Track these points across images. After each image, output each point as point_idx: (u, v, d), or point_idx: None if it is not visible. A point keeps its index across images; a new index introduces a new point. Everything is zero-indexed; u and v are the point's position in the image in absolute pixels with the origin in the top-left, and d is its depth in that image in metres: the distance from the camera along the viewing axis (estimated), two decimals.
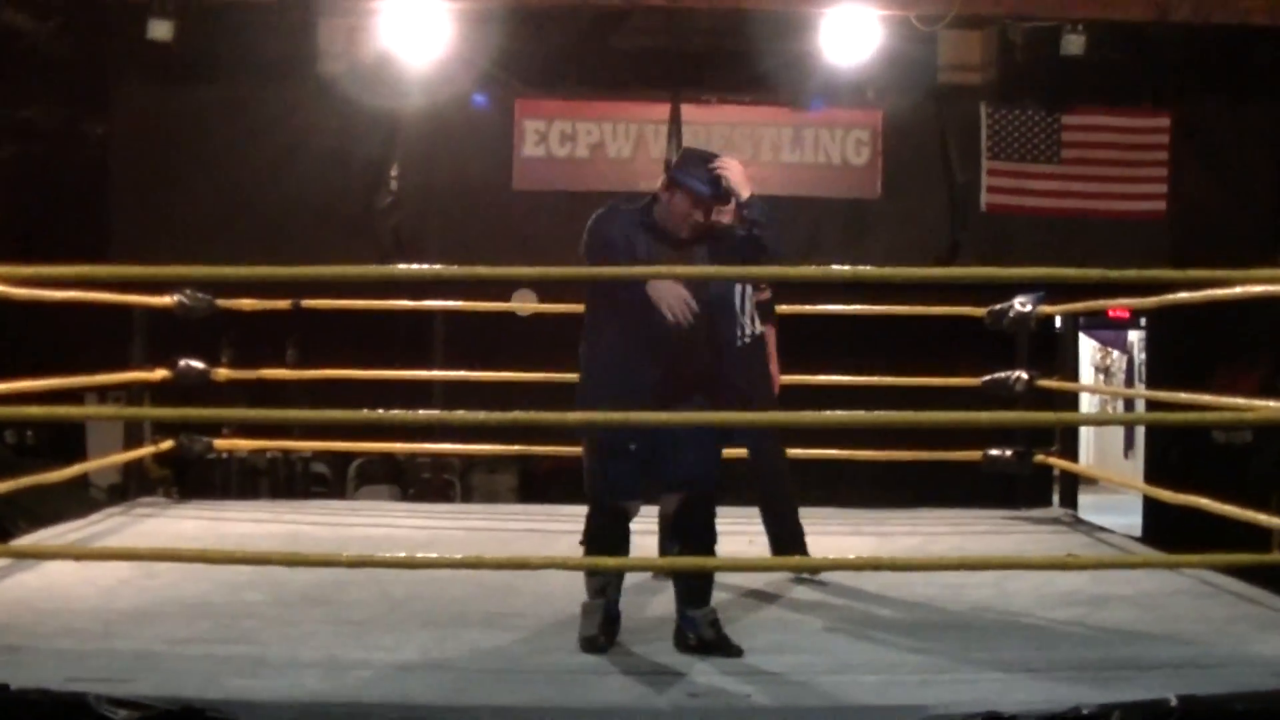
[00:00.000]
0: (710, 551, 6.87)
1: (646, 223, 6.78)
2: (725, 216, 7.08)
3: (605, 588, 6.81)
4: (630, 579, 7.30)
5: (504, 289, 8.20)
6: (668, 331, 6.58)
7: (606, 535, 6.91)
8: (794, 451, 10.36)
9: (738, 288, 7.85)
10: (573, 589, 7.02)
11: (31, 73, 15.97)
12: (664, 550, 7.10)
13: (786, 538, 8.38)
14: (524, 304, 7.18)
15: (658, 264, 6.66)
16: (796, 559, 8.32)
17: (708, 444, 6.80)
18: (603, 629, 6.78)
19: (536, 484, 15.64)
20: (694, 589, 6.80)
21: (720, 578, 7.73)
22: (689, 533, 6.85)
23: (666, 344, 6.63)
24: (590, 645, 6.73)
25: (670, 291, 6.55)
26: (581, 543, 7.11)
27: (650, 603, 7.65)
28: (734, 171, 6.80)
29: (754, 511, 8.76)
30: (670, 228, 6.77)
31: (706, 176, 6.74)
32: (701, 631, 6.74)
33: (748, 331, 8.14)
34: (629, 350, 6.68)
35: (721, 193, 6.77)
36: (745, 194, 6.78)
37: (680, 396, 6.68)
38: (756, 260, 6.77)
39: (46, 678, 5.87)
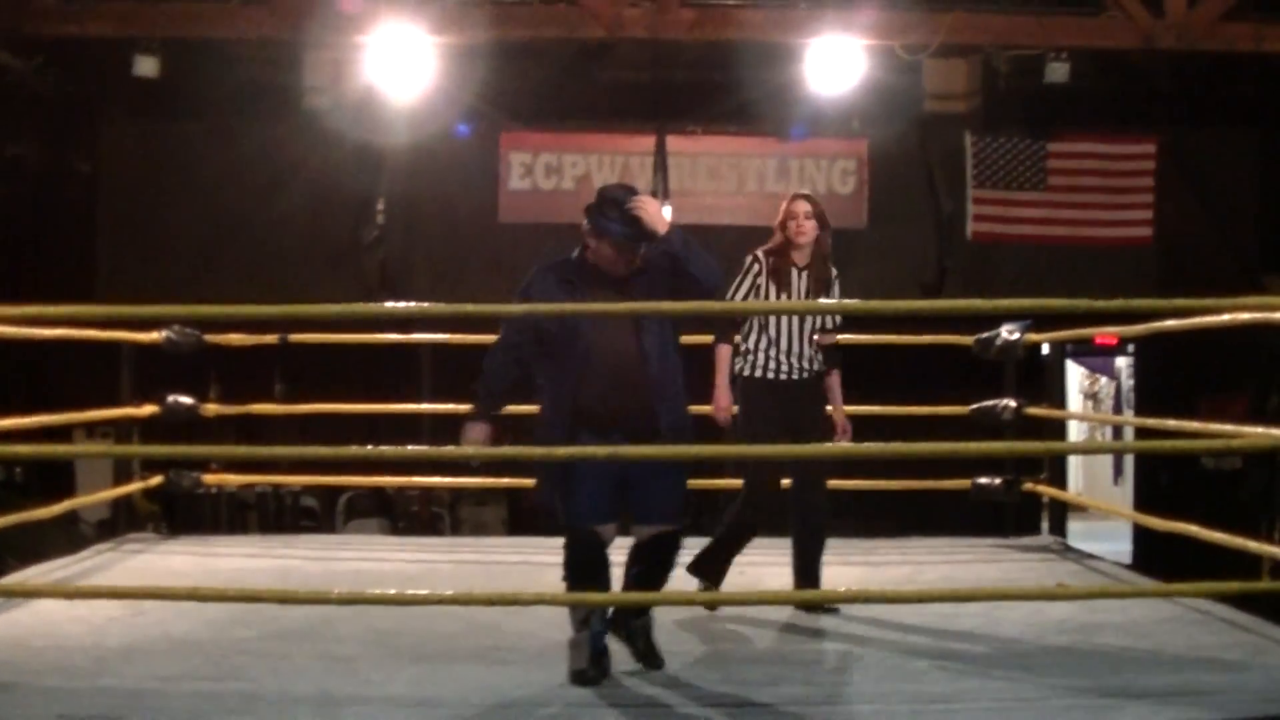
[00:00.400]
0: (666, 575, 7.13)
1: (579, 273, 6.99)
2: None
3: (588, 618, 6.84)
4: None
5: (489, 322, 8.18)
6: (600, 370, 6.84)
7: (585, 563, 6.95)
8: (783, 482, 10.39)
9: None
10: (563, 622, 7.02)
11: (18, 110, 15.97)
12: (627, 569, 7.13)
13: (808, 572, 8.40)
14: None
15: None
16: (785, 593, 8.31)
17: (676, 478, 7.03)
18: (592, 662, 6.79)
19: (525, 516, 15.63)
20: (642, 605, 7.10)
21: (722, 609, 7.83)
22: (651, 559, 7.06)
23: (599, 381, 6.86)
24: (580, 679, 6.75)
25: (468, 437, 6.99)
26: (564, 578, 7.08)
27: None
28: (649, 209, 6.92)
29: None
30: (606, 270, 6.94)
31: (623, 218, 6.88)
32: (635, 640, 7.03)
33: (805, 369, 8.40)
34: (561, 390, 6.92)
35: (640, 232, 6.88)
36: (662, 229, 6.88)
37: (631, 427, 6.86)
38: (692, 292, 6.86)
39: (38, 715, 5.89)
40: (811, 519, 8.41)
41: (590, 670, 6.76)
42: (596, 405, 6.86)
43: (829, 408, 8.62)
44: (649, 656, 7.01)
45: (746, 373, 8.35)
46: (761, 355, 8.32)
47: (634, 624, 7.03)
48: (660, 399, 6.93)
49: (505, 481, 12.07)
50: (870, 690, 6.75)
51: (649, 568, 7.07)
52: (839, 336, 8.68)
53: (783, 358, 8.33)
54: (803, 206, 8.48)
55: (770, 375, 8.32)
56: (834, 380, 8.62)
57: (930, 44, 14.27)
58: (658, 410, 6.91)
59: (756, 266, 8.43)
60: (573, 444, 6.80)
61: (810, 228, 8.42)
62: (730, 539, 8.43)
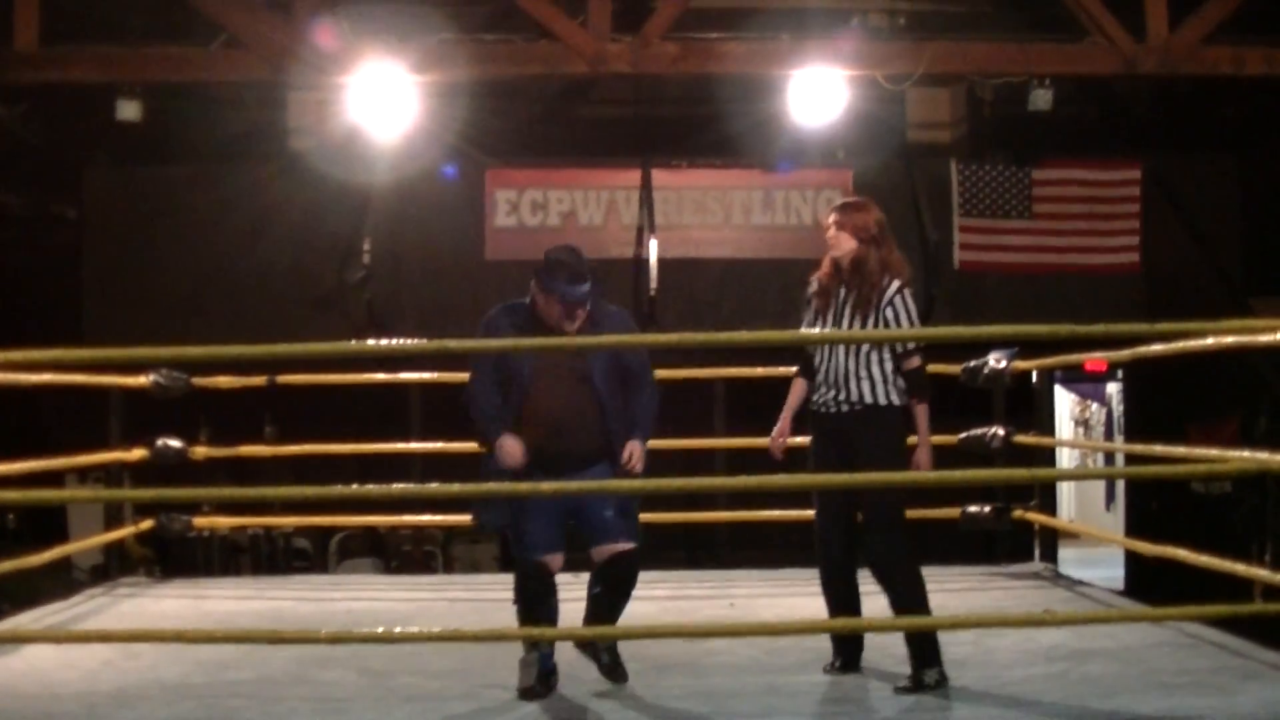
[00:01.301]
0: (627, 594, 7.50)
1: (529, 321, 7.45)
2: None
3: (538, 642, 7.28)
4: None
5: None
6: (546, 414, 7.36)
7: (531, 590, 7.42)
8: (773, 514, 10.42)
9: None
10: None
11: (2, 158, 16.00)
12: (590, 589, 7.53)
13: (904, 600, 7.48)
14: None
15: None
16: (771, 623, 8.27)
17: (626, 505, 7.46)
18: (539, 680, 7.26)
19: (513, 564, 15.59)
20: (603, 621, 7.43)
21: (702, 643, 7.82)
22: (612, 579, 7.46)
23: (547, 420, 7.36)
24: (528, 694, 7.21)
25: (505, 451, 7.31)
26: (514, 601, 7.49)
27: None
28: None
29: (737, 575, 8.71)
30: (551, 324, 7.40)
31: (569, 279, 7.33)
32: (600, 656, 7.43)
33: (856, 400, 7.52)
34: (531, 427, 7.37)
35: (583, 292, 7.35)
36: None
37: (578, 466, 7.39)
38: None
39: None
40: (875, 566, 7.51)
41: (538, 687, 7.22)
42: (545, 445, 7.36)
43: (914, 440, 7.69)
44: (614, 670, 7.41)
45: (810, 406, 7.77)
46: (816, 387, 7.63)
47: (599, 642, 7.45)
48: (615, 438, 7.44)
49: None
50: (861, 718, 6.75)
51: (609, 586, 7.45)
52: (918, 360, 7.54)
53: (828, 388, 7.53)
54: (831, 217, 7.68)
55: (816, 408, 7.62)
56: (917, 411, 7.55)
57: (913, 73, 14.30)
58: (614, 449, 7.43)
59: (808, 290, 7.78)
60: (525, 479, 7.28)
61: (842, 240, 7.58)
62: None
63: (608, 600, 7.45)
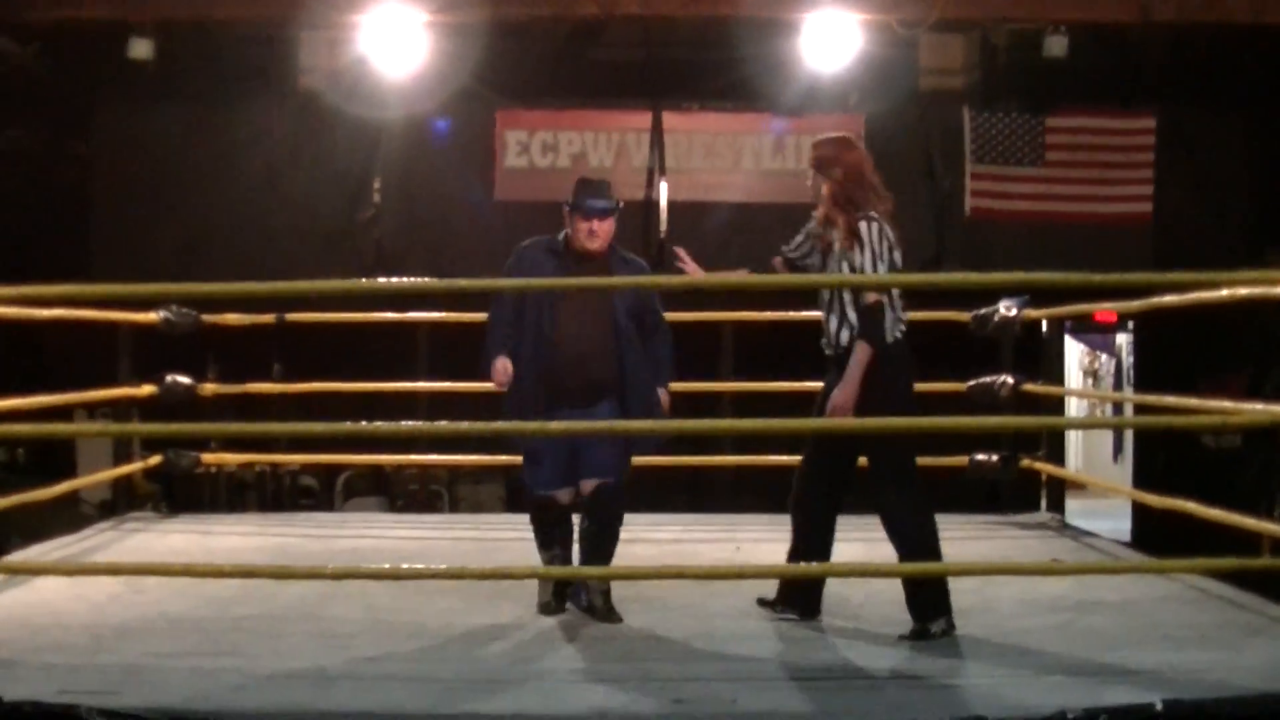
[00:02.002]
0: (616, 531, 7.84)
1: (560, 249, 7.88)
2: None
3: (553, 560, 7.81)
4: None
5: (486, 300, 8.27)
6: (559, 345, 7.72)
7: (540, 520, 7.90)
8: (779, 459, 10.41)
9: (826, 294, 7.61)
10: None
11: (14, 95, 15.97)
12: (581, 525, 7.88)
13: (911, 549, 7.36)
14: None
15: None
16: (776, 567, 8.21)
17: (617, 444, 7.78)
18: (554, 595, 7.73)
19: (522, 494, 15.61)
20: (596, 558, 7.73)
21: (712, 585, 7.85)
22: (597, 513, 7.79)
23: (558, 355, 7.72)
24: (546, 609, 7.68)
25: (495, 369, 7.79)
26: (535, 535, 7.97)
27: (632, 613, 7.67)
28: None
29: (742, 519, 8.69)
30: (580, 247, 7.79)
31: (592, 194, 7.81)
32: (593, 599, 7.70)
33: (835, 344, 7.51)
34: (525, 362, 7.75)
35: (607, 206, 7.80)
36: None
37: (587, 401, 7.74)
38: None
39: (39, 691, 5.91)
40: (883, 497, 7.48)
41: (553, 602, 7.70)
42: (566, 379, 7.72)
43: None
44: (608, 614, 7.63)
45: None
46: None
47: (591, 583, 7.76)
48: (629, 381, 7.78)
49: (502, 459, 12.08)
50: (863, 665, 6.76)
51: (593, 519, 7.79)
52: (872, 297, 7.35)
53: (822, 333, 7.57)
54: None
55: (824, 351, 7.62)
56: (856, 347, 7.33)
57: (927, 18, 14.24)
58: (626, 392, 7.76)
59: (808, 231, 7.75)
60: (547, 417, 7.63)
61: (813, 179, 7.65)
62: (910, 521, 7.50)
63: (593, 535, 7.77)
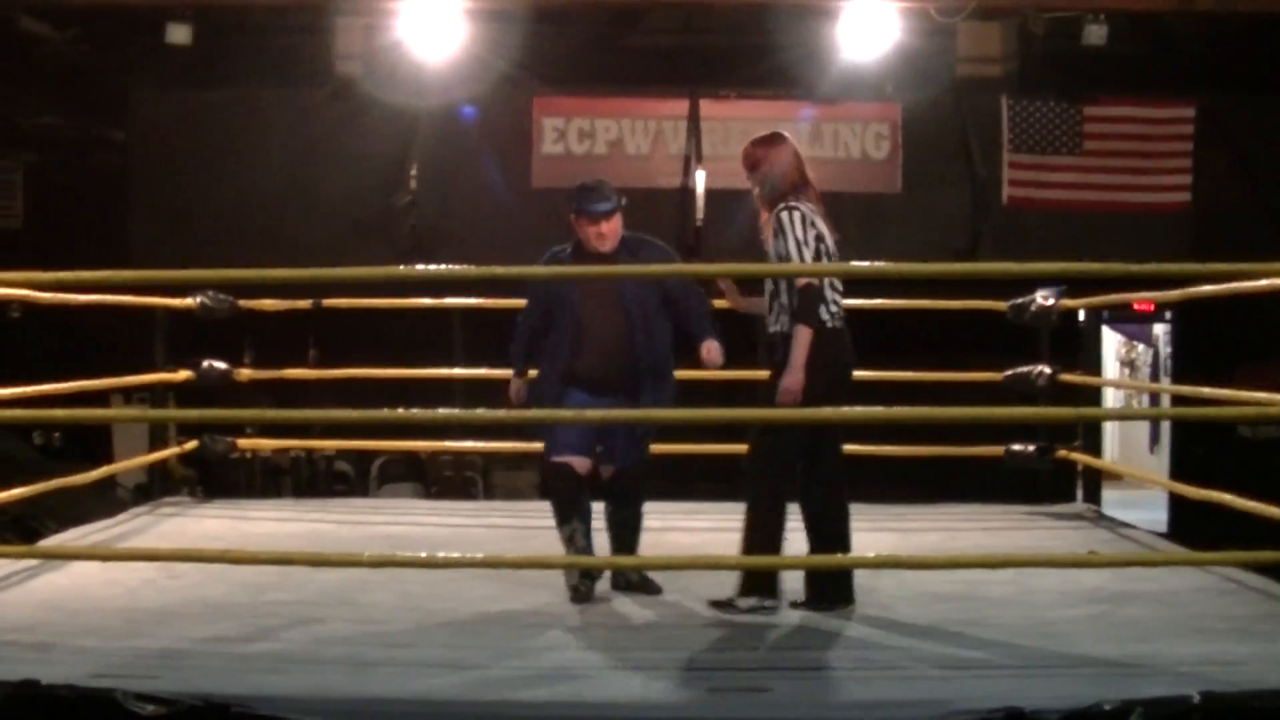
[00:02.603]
0: (640, 513, 8.12)
1: (575, 255, 8.03)
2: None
3: (574, 536, 7.97)
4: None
5: (521, 287, 8.32)
6: (591, 341, 7.93)
7: (557, 489, 8.03)
8: None
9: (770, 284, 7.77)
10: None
11: (51, 80, 16.03)
12: (606, 511, 8.16)
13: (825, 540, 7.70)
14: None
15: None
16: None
17: (638, 431, 8.04)
18: (582, 577, 7.79)
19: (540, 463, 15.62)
20: (625, 541, 8.09)
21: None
22: (619, 497, 8.10)
23: (590, 352, 7.94)
24: (576, 594, 7.74)
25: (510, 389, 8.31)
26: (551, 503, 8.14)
27: (667, 602, 7.66)
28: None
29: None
30: (591, 249, 7.97)
31: (593, 197, 7.95)
32: (629, 574, 7.93)
33: (775, 328, 7.70)
34: (556, 351, 8.01)
35: (610, 205, 7.95)
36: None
37: (621, 387, 7.93)
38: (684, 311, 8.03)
39: (75, 674, 5.94)
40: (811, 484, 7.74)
41: (582, 586, 7.76)
42: (587, 371, 7.94)
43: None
44: (645, 585, 7.91)
45: None
46: None
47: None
48: (646, 372, 7.94)
49: (537, 446, 12.07)
50: (897, 655, 6.75)
51: (619, 505, 8.10)
52: (802, 281, 7.45)
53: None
54: None
55: None
56: (796, 333, 7.44)
57: (965, 6, 14.21)
58: (643, 383, 7.92)
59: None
60: (564, 399, 7.93)
61: (750, 181, 7.89)
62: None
63: (620, 521, 8.10)
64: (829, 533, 7.67)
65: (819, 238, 7.53)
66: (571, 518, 7.96)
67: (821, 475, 7.73)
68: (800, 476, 7.67)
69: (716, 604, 7.51)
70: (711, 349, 7.99)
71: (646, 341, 7.94)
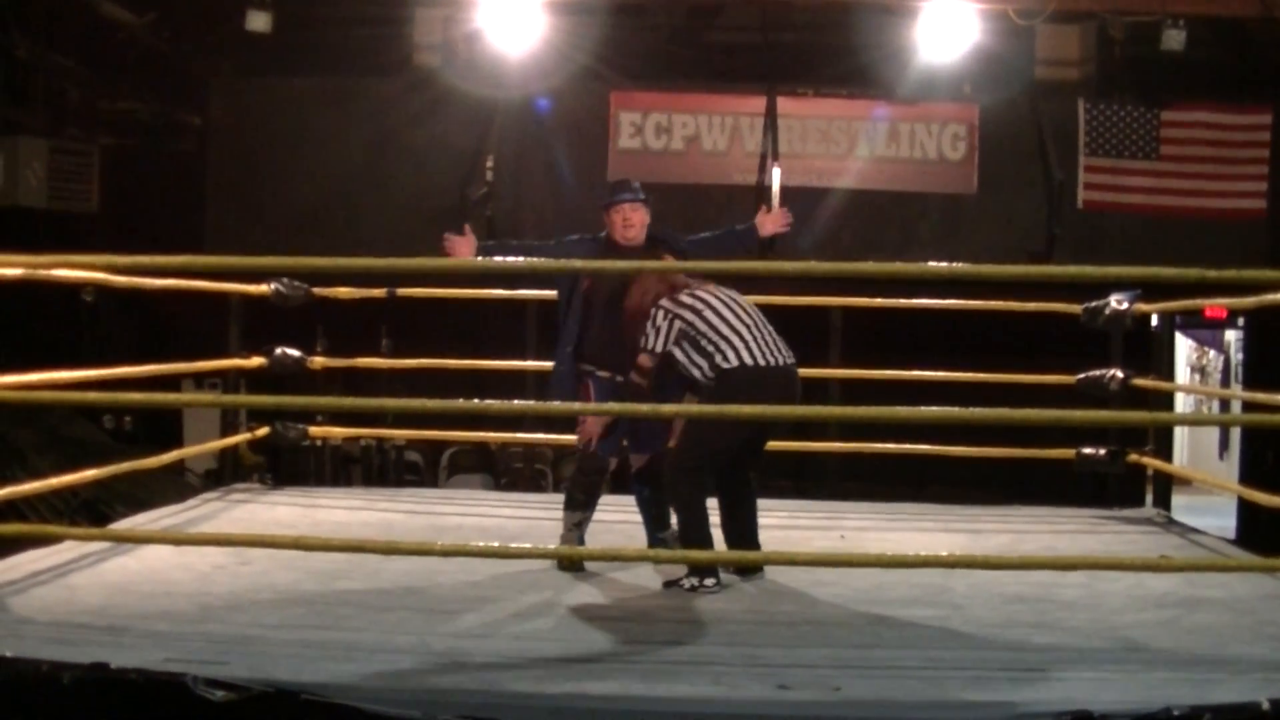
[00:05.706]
0: (669, 495, 8.28)
1: (604, 246, 8.50)
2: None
3: (580, 523, 8.42)
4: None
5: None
6: (609, 329, 8.31)
7: (589, 483, 8.47)
8: (885, 446, 10.37)
9: None
10: (661, 578, 7.41)
11: (130, 65, 16.13)
12: (635, 490, 8.62)
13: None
14: None
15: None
16: (884, 555, 8.17)
17: (664, 425, 8.32)
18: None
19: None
20: (658, 517, 8.51)
21: (817, 572, 7.83)
22: (656, 480, 8.35)
23: (605, 340, 8.36)
24: (570, 568, 8.13)
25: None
26: (568, 489, 8.71)
27: (737, 598, 7.67)
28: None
29: (846, 506, 8.66)
30: (619, 238, 8.47)
31: (623, 190, 8.53)
32: (670, 547, 8.26)
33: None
34: (576, 343, 8.46)
35: (635, 195, 8.49)
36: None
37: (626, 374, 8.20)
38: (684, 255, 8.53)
39: (145, 658, 5.94)
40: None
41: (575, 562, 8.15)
42: (603, 357, 8.35)
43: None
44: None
45: None
46: None
47: (661, 535, 8.50)
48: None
49: None
50: (967, 656, 6.73)
51: (656, 484, 8.38)
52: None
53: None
54: None
55: None
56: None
57: (1044, 9, 14.18)
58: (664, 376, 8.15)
59: None
60: (582, 385, 8.40)
61: None
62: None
63: (651, 501, 8.54)
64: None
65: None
66: (588, 507, 8.45)
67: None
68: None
69: (668, 584, 7.79)
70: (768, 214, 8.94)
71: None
